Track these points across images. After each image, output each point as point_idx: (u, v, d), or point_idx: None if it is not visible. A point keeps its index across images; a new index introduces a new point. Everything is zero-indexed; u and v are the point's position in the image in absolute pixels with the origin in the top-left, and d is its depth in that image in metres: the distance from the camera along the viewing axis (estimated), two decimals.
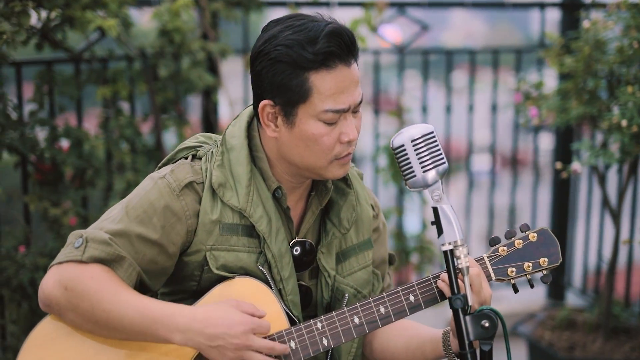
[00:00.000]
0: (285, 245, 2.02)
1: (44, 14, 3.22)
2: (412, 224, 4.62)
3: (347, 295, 2.10)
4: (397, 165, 1.85)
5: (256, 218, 1.98)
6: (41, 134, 3.34)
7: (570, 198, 4.66)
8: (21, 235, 3.24)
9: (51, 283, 1.90)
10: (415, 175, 1.82)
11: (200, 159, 2.03)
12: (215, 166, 2.00)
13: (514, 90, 3.96)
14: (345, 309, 1.97)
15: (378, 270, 2.21)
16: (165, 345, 1.93)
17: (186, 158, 2.05)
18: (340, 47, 1.87)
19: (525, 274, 2.02)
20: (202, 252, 1.98)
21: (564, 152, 4.47)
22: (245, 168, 1.99)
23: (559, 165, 3.32)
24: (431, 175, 1.81)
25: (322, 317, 1.96)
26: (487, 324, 1.79)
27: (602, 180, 3.60)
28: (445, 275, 1.95)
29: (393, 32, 5.18)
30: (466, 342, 1.79)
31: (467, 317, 1.80)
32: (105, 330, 1.91)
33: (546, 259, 2.02)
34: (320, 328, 1.95)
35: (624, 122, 3.04)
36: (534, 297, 4.77)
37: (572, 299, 4.68)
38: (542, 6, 4.49)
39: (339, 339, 1.95)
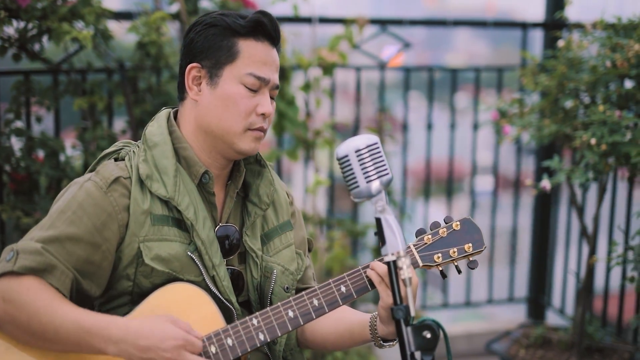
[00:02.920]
0: (212, 233, 2.08)
1: (21, 24, 3.26)
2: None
3: (275, 271, 2.17)
4: (342, 175, 1.86)
5: (184, 206, 2.04)
6: (17, 144, 3.37)
7: (551, 219, 4.66)
8: None
9: None
10: (358, 186, 1.83)
11: (123, 159, 2.10)
12: (140, 160, 2.06)
13: (494, 109, 3.97)
14: (279, 303, 2.02)
15: (300, 250, 2.30)
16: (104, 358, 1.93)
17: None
18: (269, 22, 2.08)
19: (452, 260, 2.11)
20: (135, 244, 2.00)
21: (544, 171, 4.49)
22: (170, 160, 2.06)
23: (528, 182, 3.32)
24: (375, 185, 1.82)
25: (257, 314, 2.01)
26: (428, 335, 1.79)
27: (574, 198, 3.60)
28: (374, 264, 2.05)
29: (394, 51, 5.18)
30: (408, 353, 1.79)
31: (409, 328, 1.80)
32: (41, 342, 1.90)
33: (471, 245, 2.11)
34: (255, 324, 1.99)
35: (593, 141, 3.05)
36: (514, 316, 4.77)
37: (552, 319, 4.67)
38: (524, 26, 4.51)
39: (275, 332, 2.00)
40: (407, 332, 1.79)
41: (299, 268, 2.26)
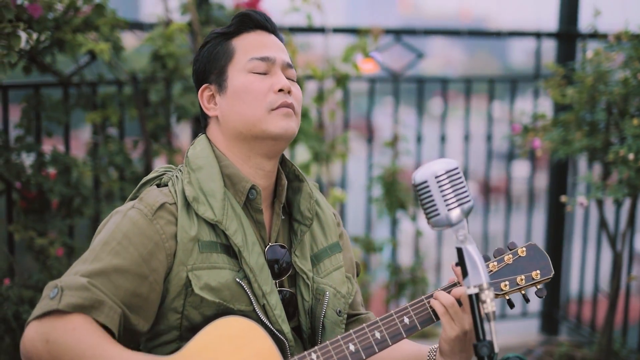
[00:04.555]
0: (262, 259, 1.97)
1: (33, 36, 3.11)
2: (406, 256, 4.52)
3: (327, 293, 2.07)
4: (419, 202, 1.75)
5: (232, 231, 1.94)
6: (27, 160, 3.22)
7: (565, 231, 4.59)
8: (5, 266, 3.10)
9: (31, 336, 1.77)
10: (439, 214, 1.72)
11: (166, 185, 2.00)
12: (185, 182, 1.97)
13: (510, 121, 3.90)
14: (339, 337, 1.90)
15: (349, 274, 2.19)
16: None
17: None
18: (255, 14, 2.06)
19: (520, 288, 2.00)
20: (183, 274, 1.89)
21: (559, 184, 4.42)
22: (218, 183, 1.97)
23: (564, 198, 3.23)
24: (455, 213, 1.71)
25: (317, 348, 1.88)
26: None
27: (602, 217, 3.52)
28: (438, 293, 1.94)
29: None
30: None
31: None
32: None
33: (538, 272, 2.00)
34: (315, 359, 1.86)
35: (631, 156, 2.97)
36: (527, 330, 4.67)
37: (566, 334, 4.58)
38: (538, 35, 4.43)
39: None
40: None
41: (350, 292, 2.15)
